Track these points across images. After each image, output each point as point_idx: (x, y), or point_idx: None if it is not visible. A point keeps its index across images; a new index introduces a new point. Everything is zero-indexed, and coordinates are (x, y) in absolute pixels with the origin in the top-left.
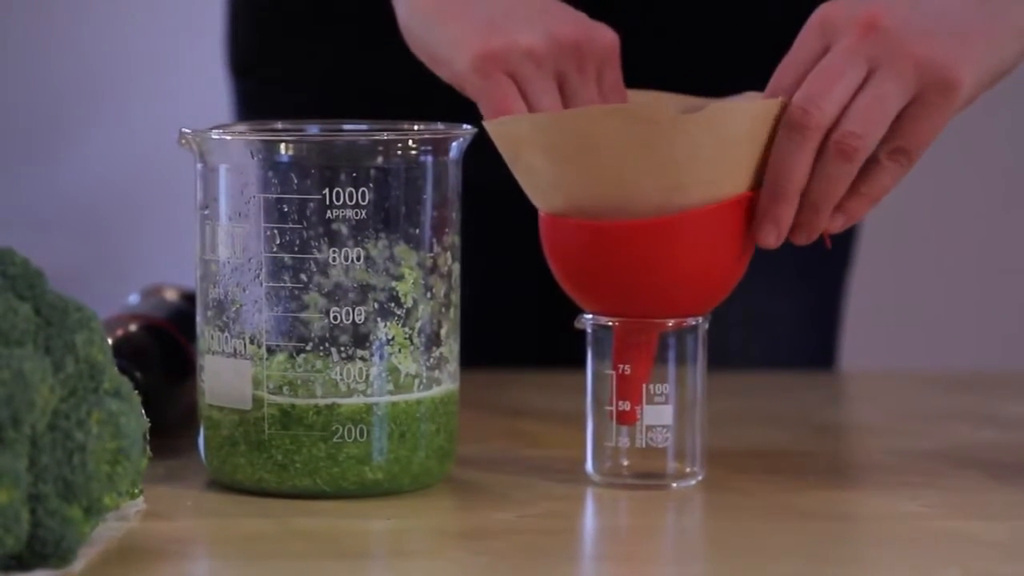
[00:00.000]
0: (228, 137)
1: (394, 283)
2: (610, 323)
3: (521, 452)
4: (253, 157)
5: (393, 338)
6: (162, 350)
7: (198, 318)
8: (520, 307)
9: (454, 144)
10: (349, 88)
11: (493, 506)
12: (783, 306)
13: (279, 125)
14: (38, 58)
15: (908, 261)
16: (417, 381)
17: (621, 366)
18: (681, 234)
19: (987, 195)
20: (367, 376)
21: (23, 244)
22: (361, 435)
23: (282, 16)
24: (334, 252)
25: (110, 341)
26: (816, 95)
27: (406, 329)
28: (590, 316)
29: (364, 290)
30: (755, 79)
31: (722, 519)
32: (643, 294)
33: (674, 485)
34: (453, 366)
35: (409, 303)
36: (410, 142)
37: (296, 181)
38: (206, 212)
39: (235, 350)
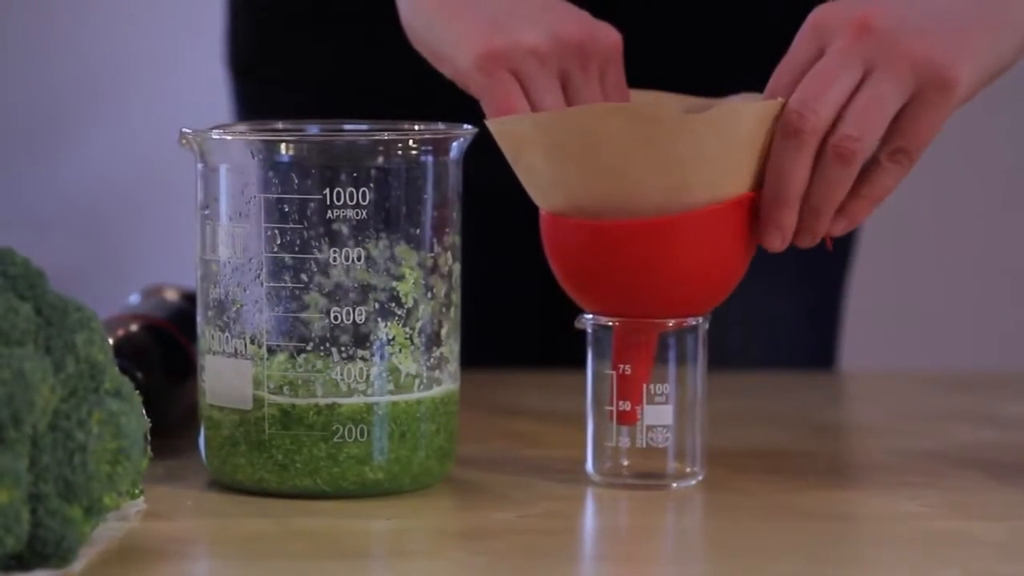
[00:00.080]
0: (228, 137)
1: (395, 283)
2: (610, 323)
3: (521, 452)
4: (254, 157)
5: (394, 338)
6: (163, 350)
7: (199, 318)
8: (520, 307)
9: (454, 144)
10: (349, 88)
11: (493, 506)
12: (783, 306)
13: (279, 125)
14: (38, 58)
15: (908, 261)
16: (417, 381)
17: (621, 366)
18: (682, 234)
19: (987, 195)
20: (367, 376)
21: (23, 244)
22: (361, 435)
23: (282, 16)
24: (335, 252)
25: (111, 341)
26: (810, 99)
27: (407, 329)
28: (590, 316)
29: (365, 290)
30: (757, 79)
31: (722, 519)
32: (643, 294)
33: (674, 485)
34: (453, 366)
35: (410, 303)
36: (410, 142)
37: (297, 181)
38: (207, 212)
39: (236, 350)
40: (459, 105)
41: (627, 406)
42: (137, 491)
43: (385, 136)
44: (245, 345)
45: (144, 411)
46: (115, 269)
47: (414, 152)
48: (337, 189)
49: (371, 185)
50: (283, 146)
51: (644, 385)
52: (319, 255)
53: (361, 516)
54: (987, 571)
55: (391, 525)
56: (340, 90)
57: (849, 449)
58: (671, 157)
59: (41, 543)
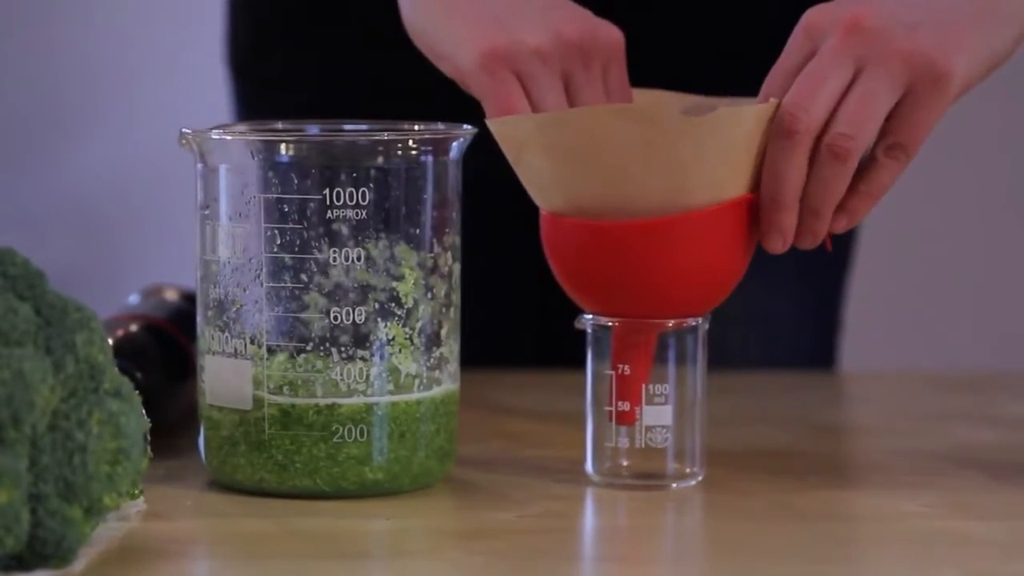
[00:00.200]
0: (228, 137)
1: (394, 283)
2: (610, 323)
3: (521, 452)
4: (253, 157)
5: (393, 338)
6: (162, 350)
7: (198, 318)
8: (520, 307)
9: (454, 144)
10: (349, 88)
11: (493, 506)
12: (783, 306)
13: (279, 125)
14: (39, 58)
15: (908, 261)
16: (417, 381)
17: (620, 366)
18: (683, 234)
19: (987, 195)
20: (367, 376)
21: (23, 244)
22: (361, 435)
23: (282, 16)
24: (334, 252)
25: (110, 341)
26: (802, 99)
27: (406, 329)
28: (590, 316)
29: (364, 290)
30: (758, 78)
31: (722, 519)
32: (643, 294)
33: (674, 485)
34: (453, 366)
35: (409, 303)
36: (410, 142)
37: (296, 181)
38: (206, 212)
39: (235, 350)
40: (459, 105)
41: (626, 406)
42: (137, 491)
43: (385, 136)
44: (245, 345)
45: (144, 411)
46: (115, 269)
47: (414, 152)
48: (337, 189)
49: (371, 185)
50: (283, 146)
51: (643, 385)
52: (319, 255)
53: (361, 516)
54: (987, 571)
55: (391, 525)
56: (340, 90)
57: (849, 449)
58: (671, 158)
59: (41, 543)
